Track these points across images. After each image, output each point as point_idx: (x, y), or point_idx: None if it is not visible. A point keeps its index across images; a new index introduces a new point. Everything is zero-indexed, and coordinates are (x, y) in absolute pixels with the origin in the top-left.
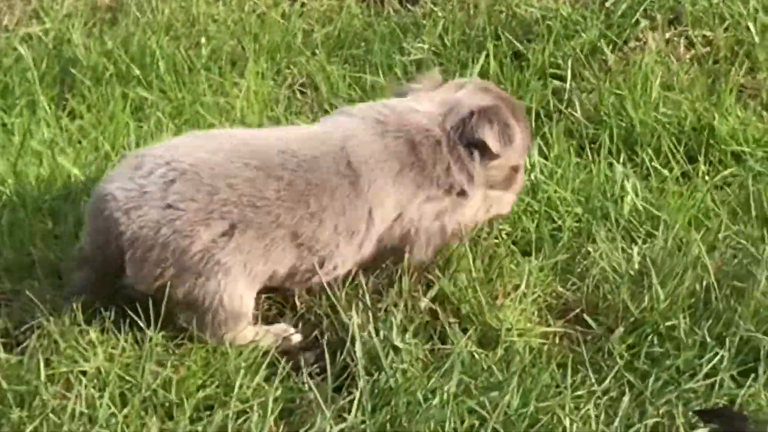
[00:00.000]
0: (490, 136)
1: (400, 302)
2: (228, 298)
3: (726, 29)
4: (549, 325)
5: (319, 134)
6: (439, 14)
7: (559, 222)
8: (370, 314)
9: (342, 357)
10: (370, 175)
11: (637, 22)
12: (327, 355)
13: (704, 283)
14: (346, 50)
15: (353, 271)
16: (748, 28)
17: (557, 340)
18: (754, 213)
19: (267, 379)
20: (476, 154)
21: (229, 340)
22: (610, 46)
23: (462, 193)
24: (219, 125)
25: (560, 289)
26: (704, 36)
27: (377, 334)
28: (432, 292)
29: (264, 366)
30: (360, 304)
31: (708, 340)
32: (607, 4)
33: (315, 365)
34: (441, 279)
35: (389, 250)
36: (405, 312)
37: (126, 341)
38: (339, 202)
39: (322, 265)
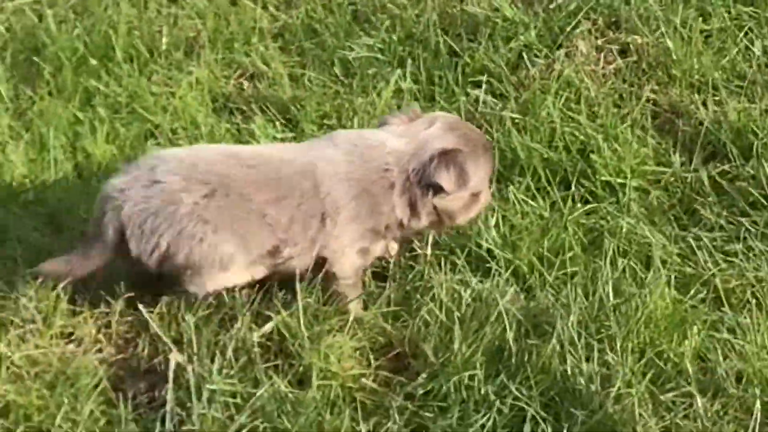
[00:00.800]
0: (445, 180)
1: (236, 336)
2: (219, 254)
3: (659, 36)
4: (369, 365)
5: (297, 149)
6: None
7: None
8: (194, 350)
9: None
10: (330, 186)
11: (578, 24)
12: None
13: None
14: (300, 41)
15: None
16: (680, 36)
17: (370, 381)
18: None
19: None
20: (431, 192)
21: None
22: (543, 52)
23: (401, 226)
24: (161, 122)
25: (386, 326)
26: (637, 43)
27: (193, 373)
28: (269, 327)
29: (96, 393)
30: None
31: (492, 397)
32: (552, 6)
33: (145, 394)
34: (279, 314)
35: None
36: (238, 346)
37: None
38: (297, 196)
39: (281, 250)
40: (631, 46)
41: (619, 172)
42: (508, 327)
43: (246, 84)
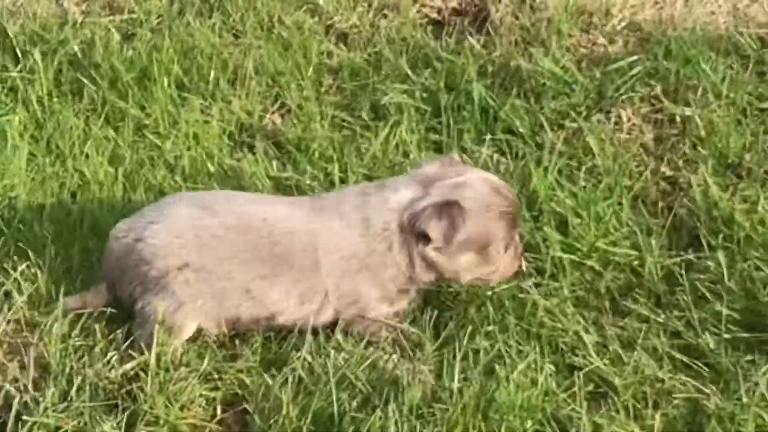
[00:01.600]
0: (432, 230)
1: (85, 371)
2: (171, 319)
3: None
4: (214, 416)
5: (307, 215)
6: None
7: None
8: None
9: None
10: (331, 266)
11: (629, 89)
12: None
13: None
14: (343, 80)
15: None
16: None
17: None
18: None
19: None
20: (420, 242)
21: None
22: (582, 114)
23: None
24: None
25: (245, 379)
26: (684, 115)
27: (20, 402)
28: (128, 366)
29: None
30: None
31: None
32: (609, 68)
33: None
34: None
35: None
36: (85, 382)
37: None
38: (295, 274)
39: (273, 318)
40: (678, 117)
41: (575, 250)
42: (334, 395)
43: (278, 119)
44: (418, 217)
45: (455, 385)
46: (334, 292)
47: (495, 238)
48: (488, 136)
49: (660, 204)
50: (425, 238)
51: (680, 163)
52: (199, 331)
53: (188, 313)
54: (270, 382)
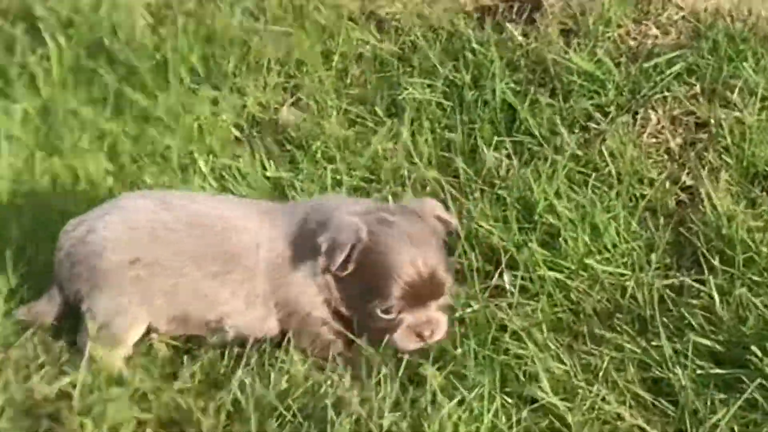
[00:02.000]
0: (323, 243)
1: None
2: (119, 320)
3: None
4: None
5: (260, 215)
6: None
7: None
8: None
9: None
10: (267, 263)
11: (664, 89)
12: None
13: None
14: (372, 73)
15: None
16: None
17: None
18: None
19: None
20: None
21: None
22: (609, 115)
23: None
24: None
25: (182, 402)
26: (718, 118)
27: None
28: (64, 382)
29: None
30: None
31: None
32: (646, 65)
33: None
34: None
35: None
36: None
37: None
38: (240, 274)
39: (222, 321)
40: (712, 120)
41: (563, 268)
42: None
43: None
44: (316, 233)
45: (386, 420)
46: (270, 295)
47: (381, 296)
48: (496, 138)
49: (674, 216)
50: (318, 251)
51: (704, 171)
52: (148, 344)
53: (137, 311)
54: (193, 406)
